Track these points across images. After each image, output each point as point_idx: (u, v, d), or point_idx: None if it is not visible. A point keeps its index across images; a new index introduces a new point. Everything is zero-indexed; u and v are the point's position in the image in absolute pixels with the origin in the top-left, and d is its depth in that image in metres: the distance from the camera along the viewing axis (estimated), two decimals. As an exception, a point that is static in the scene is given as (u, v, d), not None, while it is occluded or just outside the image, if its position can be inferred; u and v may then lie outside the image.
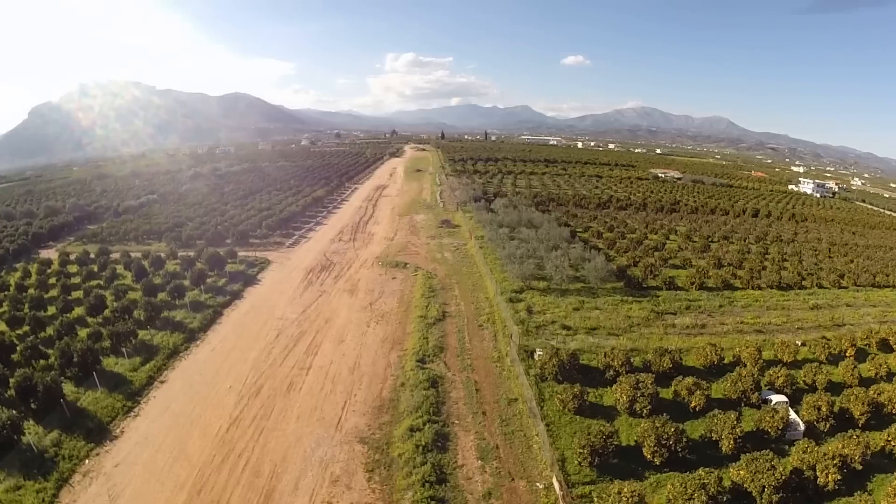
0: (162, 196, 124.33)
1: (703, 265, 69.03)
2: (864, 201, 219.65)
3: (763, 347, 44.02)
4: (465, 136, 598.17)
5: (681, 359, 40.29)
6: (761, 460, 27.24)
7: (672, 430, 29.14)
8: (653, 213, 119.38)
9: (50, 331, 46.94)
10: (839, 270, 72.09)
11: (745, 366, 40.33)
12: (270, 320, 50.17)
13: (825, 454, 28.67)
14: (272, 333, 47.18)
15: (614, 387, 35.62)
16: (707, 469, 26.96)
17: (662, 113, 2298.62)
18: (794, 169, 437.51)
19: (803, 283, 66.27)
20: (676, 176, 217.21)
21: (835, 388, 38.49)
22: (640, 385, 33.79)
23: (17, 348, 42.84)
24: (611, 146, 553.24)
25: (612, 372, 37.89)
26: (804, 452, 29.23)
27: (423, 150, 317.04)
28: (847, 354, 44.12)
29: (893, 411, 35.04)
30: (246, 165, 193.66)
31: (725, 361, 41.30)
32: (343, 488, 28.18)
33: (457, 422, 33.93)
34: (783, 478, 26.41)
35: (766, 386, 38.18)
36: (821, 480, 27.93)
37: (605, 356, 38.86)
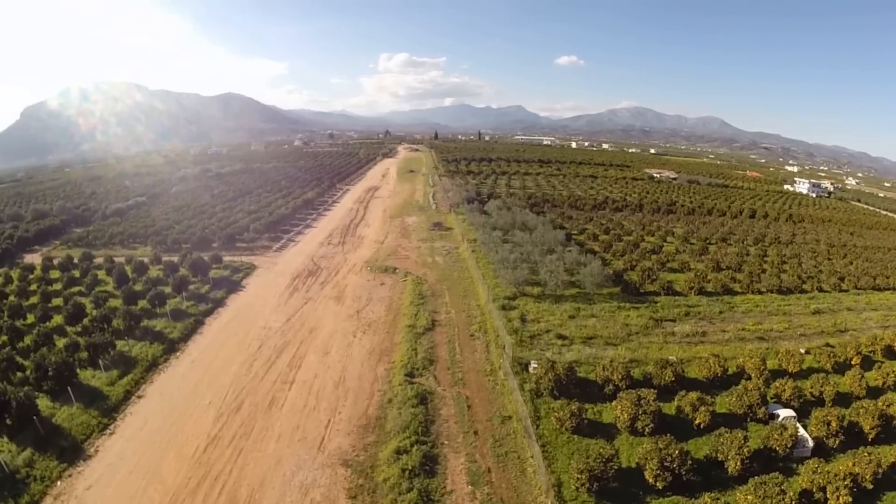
0: (151, 198, 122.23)
1: (701, 269, 67.52)
2: (859, 201, 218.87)
3: (767, 356, 42.48)
4: (459, 137, 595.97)
5: (683, 371, 38.51)
6: (770, 484, 25.68)
7: (676, 452, 27.35)
8: (649, 215, 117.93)
9: (28, 340, 45.56)
10: (839, 273, 70.82)
11: (750, 378, 38.72)
12: (253, 330, 48.21)
13: (836, 475, 27.09)
14: (255, 344, 45.23)
15: (614, 403, 33.78)
16: (713, 495, 25.37)
17: (656, 113, 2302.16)
18: (788, 168, 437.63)
19: (803, 286, 64.84)
20: (672, 176, 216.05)
21: (842, 399, 37.14)
22: (641, 402, 31.95)
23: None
24: (605, 146, 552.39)
25: (611, 386, 36.06)
26: (814, 473, 27.66)
27: (417, 150, 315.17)
28: (853, 363, 42.92)
29: (904, 424, 33.47)
30: (238, 167, 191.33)
31: (729, 372, 39.64)
32: (323, 517, 26.28)
33: (447, 442, 31.99)
34: (793, 502, 24.76)
35: (772, 399, 36.61)
36: (831, 503, 26.35)
37: (603, 369, 36.97)
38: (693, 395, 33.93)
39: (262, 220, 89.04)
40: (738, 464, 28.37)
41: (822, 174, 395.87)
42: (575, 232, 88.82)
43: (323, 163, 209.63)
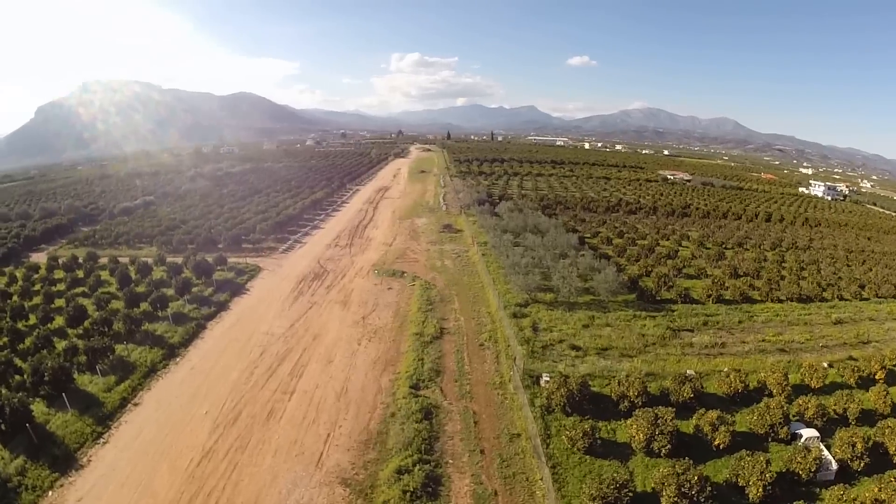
0: (160, 197, 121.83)
1: (718, 275, 65.49)
2: (875, 204, 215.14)
3: (789, 370, 40.54)
4: (472, 137, 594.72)
5: (702, 386, 36.67)
6: (794, 513, 23.88)
7: (695, 477, 25.58)
8: (663, 218, 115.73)
9: (28, 342, 44.87)
10: (859, 280, 68.45)
11: (772, 394, 36.86)
12: (255, 335, 46.91)
13: (862, 502, 25.26)
14: (256, 351, 43.91)
15: (629, 421, 31.90)
16: (735, 525, 23.61)
17: (669, 114, 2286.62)
18: (803, 171, 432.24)
19: (823, 294, 62.66)
20: (686, 178, 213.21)
21: (867, 416, 35.24)
22: (658, 421, 30.07)
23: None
24: (618, 147, 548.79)
25: (626, 403, 34.21)
26: (839, 501, 25.81)
27: (429, 150, 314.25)
28: (877, 377, 40.96)
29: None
30: (248, 166, 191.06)
31: (750, 388, 37.74)
32: (319, 541, 24.86)
33: (451, 461, 30.32)
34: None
35: (794, 417, 34.68)
36: (857, 533, 24.65)
37: (619, 384, 35.09)
38: (713, 413, 32.08)
39: (269, 220, 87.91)
40: (760, 490, 26.57)
41: (837, 176, 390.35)
42: (588, 235, 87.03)
43: (334, 162, 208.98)
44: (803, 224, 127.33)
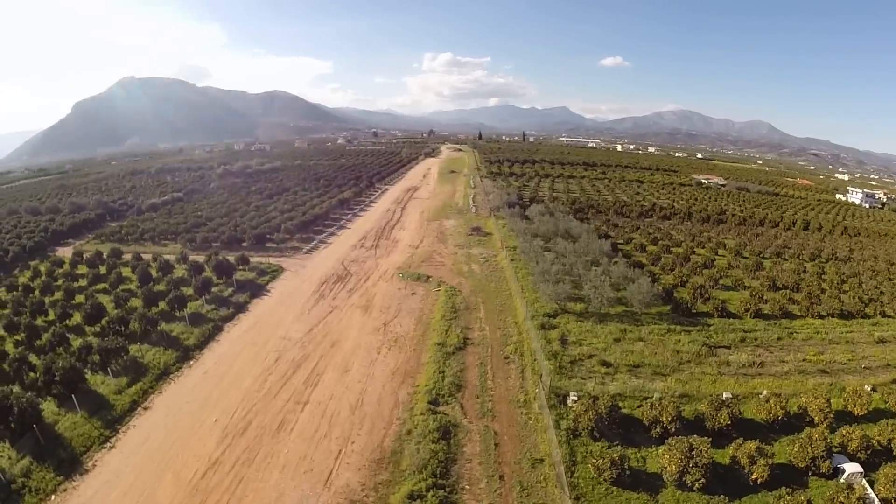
0: (188, 194, 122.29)
1: (756, 287, 62.12)
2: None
3: (831, 394, 37.49)
4: (503, 137, 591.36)
5: (739, 411, 33.85)
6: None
7: (735, 520, 23.08)
8: (698, 224, 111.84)
9: (45, 338, 44.62)
10: (903, 295, 64.26)
11: (813, 421, 33.87)
12: (272, 340, 45.42)
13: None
14: (272, 356, 42.38)
15: (662, 450, 29.27)
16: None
17: (702, 116, 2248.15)
18: (839, 176, 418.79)
19: (865, 310, 58.83)
20: (720, 182, 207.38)
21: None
22: (693, 452, 27.46)
23: (7, 358, 40.87)
24: (651, 149, 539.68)
25: (659, 428, 31.58)
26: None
27: (460, 150, 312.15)
28: (923, 405, 37.47)
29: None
30: (278, 163, 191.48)
31: (791, 413, 34.85)
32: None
33: (468, 487, 28.06)
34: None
35: (836, 449, 31.68)
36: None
37: (651, 407, 32.43)
38: (751, 444, 29.23)
39: (295, 219, 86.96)
40: (804, 534, 23.97)
41: (874, 183, 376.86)
42: (621, 241, 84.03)
43: (364, 161, 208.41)
44: (842, 233, 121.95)
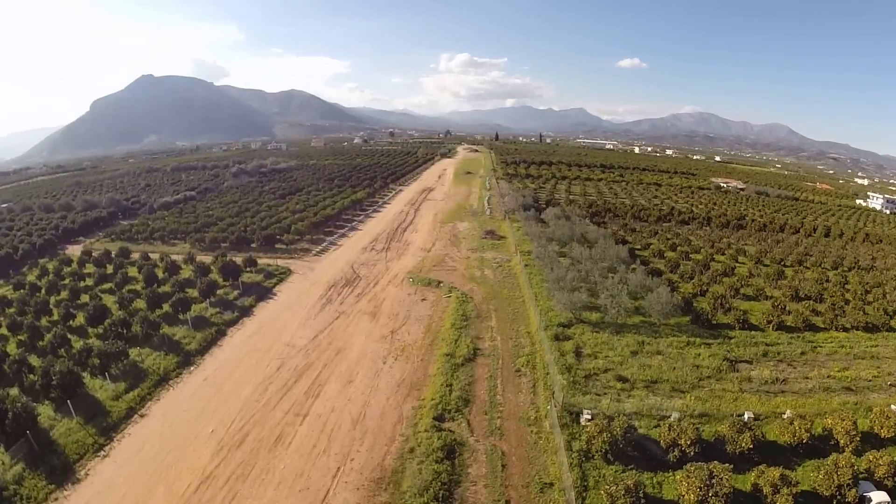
0: (202, 192, 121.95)
1: (778, 297, 59.50)
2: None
3: (857, 414, 35.23)
4: (520, 138, 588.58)
5: (762, 434, 31.73)
6: None
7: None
8: (717, 230, 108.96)
9: (47, 339, 44.02)
10: (931, 307, 61.28)
11: (839, 444, 31.64)
12: (276, 346, 44.06)
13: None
14: (274, 364, 41.01)
15: (679, 476, 27.15)
16: None
17: (720, 118, 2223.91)
18: (858, 181, 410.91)
19: (890, 322, 56.08)
20: (739, 187, 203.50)
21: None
22: (713, 480, 25.42)
23: (7, 360, 40.49)
24: (668, 152, 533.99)
25: (677, 452, 29.49)
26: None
27: (476, 151, 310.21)
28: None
29: None
30: (293, 162, 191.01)
31: (815, 434, 32.64)
32: None
33: (472, 514, 26.38)
34: None
35: (863, 475, 29.37)
36: None
37: (669, 429, 30.34)
38: (774, 472, 26.96)
39: (305, 220, 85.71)
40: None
41: (894, 188, 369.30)
42: (638, 247, 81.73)
43: (379, 161, 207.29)
44: (864, 240, 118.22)
